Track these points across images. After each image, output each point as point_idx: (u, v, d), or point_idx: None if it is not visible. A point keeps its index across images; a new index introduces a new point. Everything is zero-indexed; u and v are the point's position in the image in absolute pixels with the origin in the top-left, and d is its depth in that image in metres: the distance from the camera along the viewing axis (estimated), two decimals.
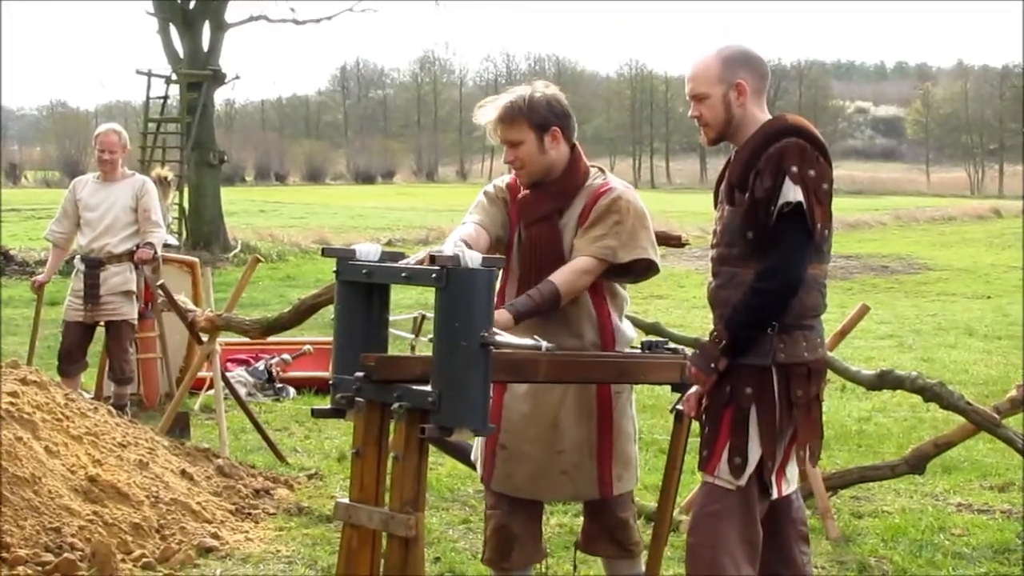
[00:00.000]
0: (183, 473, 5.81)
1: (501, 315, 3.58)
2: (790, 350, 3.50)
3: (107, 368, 7.93)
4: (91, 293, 7.50)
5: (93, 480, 5.18)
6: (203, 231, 22.44)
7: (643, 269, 3.96)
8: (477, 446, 4.17)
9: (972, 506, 6.03)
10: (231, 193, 33.79)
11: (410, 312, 3.71)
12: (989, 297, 17.25)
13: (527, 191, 4.00)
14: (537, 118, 3.93)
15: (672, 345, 3.99)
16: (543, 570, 4.43)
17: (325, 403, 3.41)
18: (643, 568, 4.19)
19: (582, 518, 4.29)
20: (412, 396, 3.07)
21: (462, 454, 4.63)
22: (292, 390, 9.12)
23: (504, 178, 4.17)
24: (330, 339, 3.51)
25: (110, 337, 7.74)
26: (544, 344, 3.17)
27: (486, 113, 3.97)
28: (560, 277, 3.79)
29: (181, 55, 23.02)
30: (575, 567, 4.49)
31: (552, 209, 3.96)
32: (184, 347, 8.62)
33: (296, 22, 26.22)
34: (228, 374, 7.80)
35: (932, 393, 5.20)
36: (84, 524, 4.91)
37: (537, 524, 4.17)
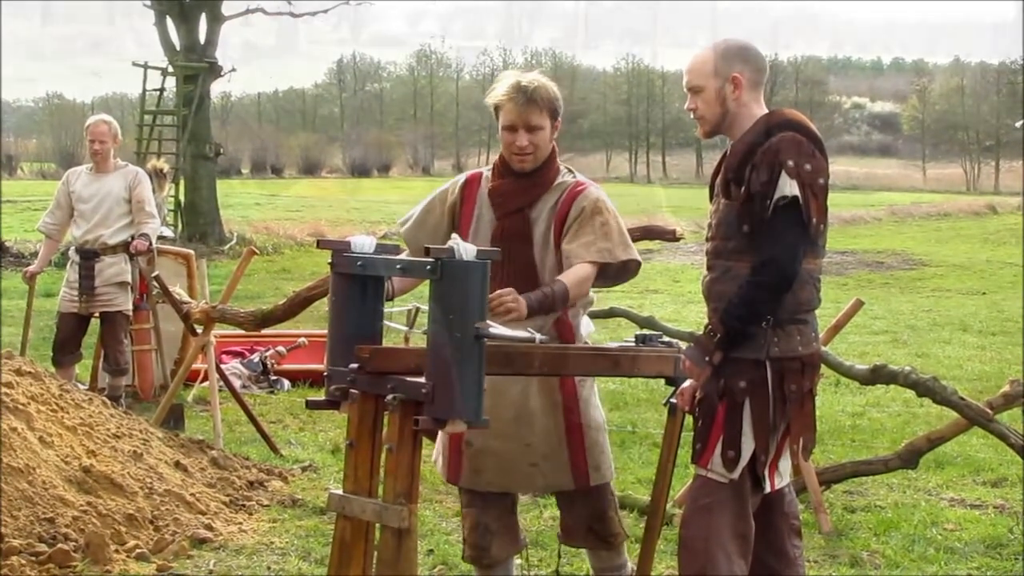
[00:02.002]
0: (177, 465, 5.81)
1: (521, 304, 3.56)
2: (784, 344, 3.51)
3: (102, 359, 7.92)
4: (86, 284, 7.50)
5: (87, 471, 5.19)
6: (199, 224, 22.43)
7: (628, 271, 3.97)
8: (437, 445, 4.16)
9: (965, 501, 6.04)
10: (227, 186, 33.73)
11: (405, 304, 3.73)
12: (984, 293, 17.28)
13: (500, 181, 4.00)
14: (557, 106, 3.96)
15: (666, 339, 4.00)
16: (535, 562, 4.45)
17: (320, 395, 3.42)
18: (627, 558, 4.21)
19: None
20: (406, 388, 3.07)
21: None
22: (287, 382, 9.13)
23: (459, 179, 4.16)
24: (325, 332, 3.52)
25: (105, 328, 7.74)
26: (538, 336, 3.18)
27: (508, 93, 3.93)
28: (569, 281, 3.76)
29: (177, 47, 23.00)
30: (560, 557, 4.50)
31: (526, 202, 3.97)
32: (179, 339, 8.62)
33: (293, 15, 26.21)
34: (223, 366, 7.81)
35: (926, 388, 5.21)
36: (78, 515, 4.92)
37: (512, 516, 4.17)
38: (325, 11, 27.06)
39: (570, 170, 4.07)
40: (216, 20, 23.34)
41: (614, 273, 3.93)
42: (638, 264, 3.95)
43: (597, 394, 4.13)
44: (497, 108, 3.97)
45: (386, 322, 3.39)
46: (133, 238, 7.54)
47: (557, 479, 4.02)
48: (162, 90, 23.23)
